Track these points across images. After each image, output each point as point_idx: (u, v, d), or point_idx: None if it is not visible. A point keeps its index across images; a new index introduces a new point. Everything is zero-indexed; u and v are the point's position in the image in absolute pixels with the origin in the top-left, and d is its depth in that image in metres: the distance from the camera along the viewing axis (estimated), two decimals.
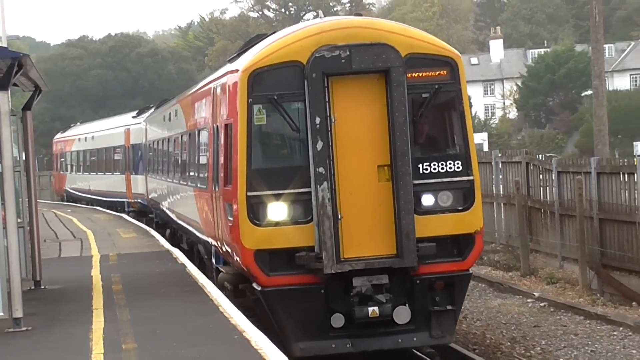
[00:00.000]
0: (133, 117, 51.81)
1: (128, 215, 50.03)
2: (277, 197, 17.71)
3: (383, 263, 17.65)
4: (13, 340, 17.51)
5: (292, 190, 17.78)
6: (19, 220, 20.54)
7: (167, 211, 37.91)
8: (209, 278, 24.28)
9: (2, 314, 18.14)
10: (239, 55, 22.04)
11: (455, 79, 18.28)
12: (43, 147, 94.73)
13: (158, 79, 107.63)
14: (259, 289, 18.07)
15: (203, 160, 25.25)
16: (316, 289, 17.58)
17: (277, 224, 17.75)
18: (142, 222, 44.51)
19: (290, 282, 17.75)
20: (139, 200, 46.97)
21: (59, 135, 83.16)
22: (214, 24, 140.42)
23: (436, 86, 18.03)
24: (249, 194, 17.69)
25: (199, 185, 25.90)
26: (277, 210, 17.67)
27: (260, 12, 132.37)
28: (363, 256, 17.75)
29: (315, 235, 17.50)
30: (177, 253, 30.72)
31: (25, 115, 24.68)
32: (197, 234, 27.76)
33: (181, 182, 31.39)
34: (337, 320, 17.64)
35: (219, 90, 21.83)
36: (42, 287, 23.94)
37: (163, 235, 37.35)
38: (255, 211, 17.69)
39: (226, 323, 17.85)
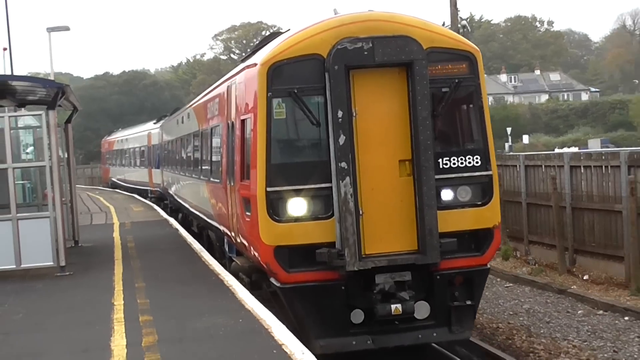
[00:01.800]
0: (154, 123, 47.73)
1: (150, 200, 45.54)
2: (297, 192, 13.08)
3: (406, 260, 13.10)
4: (60, 281, 17.39)
5: (312, 186, 13.09)
6: (63, 199, 20.37)
7: (179, 199, 31.47)
8: (216, 259, 19.47)
9: (51, 263, 18.09)
10: (253, 52, 16.83)
11: (474, 73, 13.74)
12: (79, 148, 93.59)
13: (157, 102, 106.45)
14: (278, 285, 13.32)
15: (215, 155, 19.40)
16: (336, 285, 13.00)
17: (296, 219, 13.08)
18: (159, 206, 39.86)
19: (311, 279, 13.06)
20: (158, 189, 43.04)
21: (105, 138, 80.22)
22: (196, 63, 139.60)
23: (456, 80, 13.57)
24: (269, 189, 13.07)
25: (211, 178, 19.83)
26: (297, 205, 13.06)
27: (228, 56, 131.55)
28: (384, 252, 13.18)
29: (337, 232, 12.93)
30: (172, 221, 30.33)
31: (67, 127, 24.46)
32: (209, 221, 21.75)
33: (193, 175, 24.79)
34: (357, 316, 13.12)
35: (234, 87, 16.29)
36: (80, 245, 23.62)
37: (176, 218, 32.13)
38: (275, 207, 13.07)
39: (207, 269, 17.79)
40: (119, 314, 13.30)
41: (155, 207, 39.68)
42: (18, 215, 18.14)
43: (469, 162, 13.61)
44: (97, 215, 36.83)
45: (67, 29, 46.01)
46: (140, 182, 50.53)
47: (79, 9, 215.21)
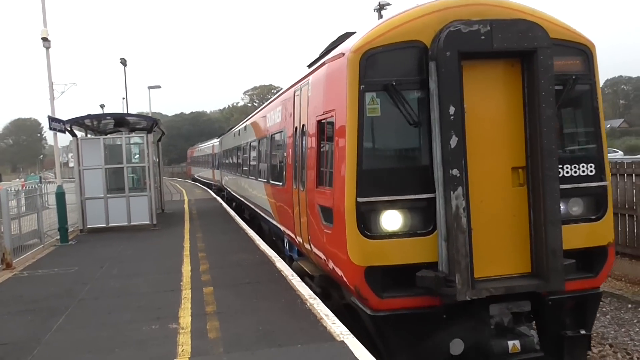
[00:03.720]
0: (217, 138, 40.77)
1: (212, 190, 38.96)
2: (392, 203, 6.94)
3: (526, 287, 6.88)
4: (153, 232, 17.18)
5: (409, 196, 6.94)
6: (155, 185, 20.26)
7: (233, 192, 24.08)
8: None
9: (148, 222, 18.01)
10: (323, 55, 9.45)
11: (590, 70, 7.36)
12: (165, 156, 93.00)
13: (211, 130, 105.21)
14: (368, 312, 7.07)
15: (276, 160, 12.64)
16: (437, 313, 6.95)
17: (391, 235, 6.96)
18: (218, 195, 33.12)
19: (407, 306, 6.97)
20: (218, 183, 37.33)
21: (189, 148, 75.78)
22: (233, 108, 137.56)
23: (573, 77, 7.17)
24: (360, 199, 6.98)
25: (271, 181, 12.99)
26: (392, 219, 6.95)
27: (252, 104, 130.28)
28: (495, 275, 6.99)
29: (441, 252, 6.84)
30: (219, 199, 30.13)
31: (158, 144, 24.42)
32: (264, 215, 14.67)
33: (250, 176, 17.33)
34: (457, 346, 7.02)
35: (305, 89, 9.62)
36: (165, 211, 23.48)
37: (230, 205, 25.79)
38: (367, 220, 6.93)
39: (238, 226, 17.69)
40: (186, 252, 13.23)
41: (209, 190, 39.44)
42: (129, 194, 18.11)
43: (583, 171, 7.46)
44: (175, 194, 36.67)
45: (159, 87, 46.26)
46: (208, 178, 46.71)
47: (164, 70, 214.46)
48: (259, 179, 15.10)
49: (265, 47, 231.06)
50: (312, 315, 7.75)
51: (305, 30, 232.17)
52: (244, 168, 19.48)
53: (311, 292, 8.91)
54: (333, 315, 7.71)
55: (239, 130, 21.84)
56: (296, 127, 10.09)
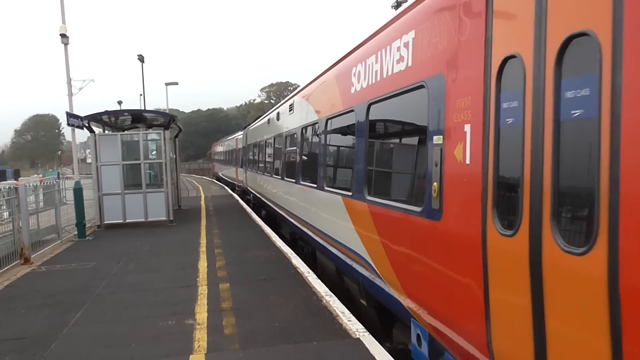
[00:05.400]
0: (241, 130, 34.27)
1: (235, 192, 32.99)
2: None
3: None
4: (169, 228, 17.24)
5: None
6: (172, 181, 20.38)
7: (266, 200, 18.32)
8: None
9: (165, 218, 18.09)
10: None
11: None
12: (182, 152, 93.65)
13: (228, 126, 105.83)
14: None
15: (386, 155, 5.97)
16: None
17: None
18: (242, 199, 28.13)
19: None
20: (242, 184, 31.23)
21: (213, 144, 70.49)
22: (249, 105, 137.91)
23: None
24: None
25: (368, 196, 6.21)
26: None
27: (268, 101, 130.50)
28: None
29: None
30: (235, 195, 30.27)
31: (175, 140, 24.47)
32: (328, 247, 8.88)
33: (302, 181, 11.25)
34: None
35: None
36: (181, 208, 23.60)
37: (259, 214, 21.44)
38: None
39: (254, 223, 17.72)
40: (203, 248, 13.30)
41: (225, 187, 39.61)
42: (146, 190, 18.21)
43: None
44: (192, 191, 36.82)
45: (176, 83, 46.35)
46: (231, 177, 41.78)
47: (181, 66, 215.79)
48: (328, 189, 8.94)
49: (282, 44, 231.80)
50: (328, 312, 7.74)
51: (322, 27, 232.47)
52: (290, 169, 13.30)
53: (327, 289, 8.90)
54: (349, 312, 7.70)
55: (277, 113, 15.73)
56: (489, 67, 4.12)
